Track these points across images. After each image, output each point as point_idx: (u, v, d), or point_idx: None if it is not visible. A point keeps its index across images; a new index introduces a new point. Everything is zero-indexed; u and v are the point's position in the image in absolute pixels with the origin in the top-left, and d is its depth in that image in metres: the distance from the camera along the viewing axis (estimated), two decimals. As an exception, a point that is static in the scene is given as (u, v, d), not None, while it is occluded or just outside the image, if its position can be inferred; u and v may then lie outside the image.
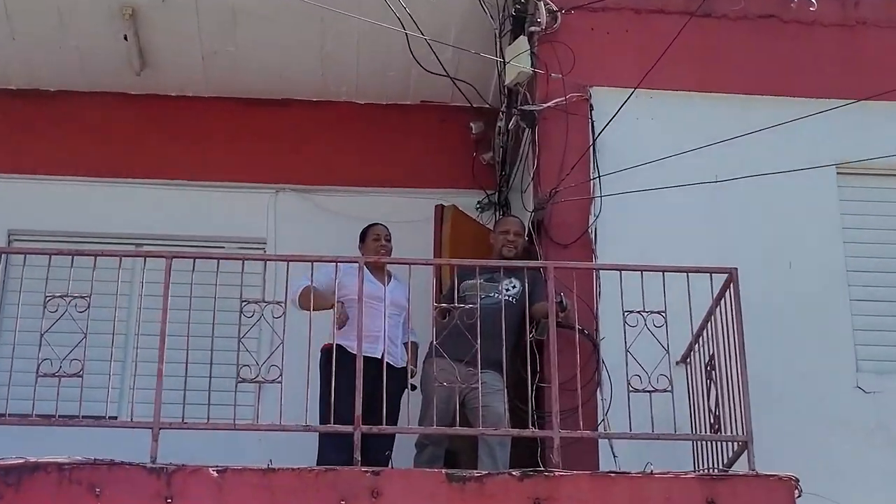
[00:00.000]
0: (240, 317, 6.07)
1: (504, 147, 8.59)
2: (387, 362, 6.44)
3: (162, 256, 6.21)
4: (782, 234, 7.53)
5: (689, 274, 6.33)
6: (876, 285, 7.56)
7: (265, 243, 8.57)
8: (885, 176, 7.77)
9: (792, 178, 7.35)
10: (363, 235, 7.45)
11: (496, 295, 6.91)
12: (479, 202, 8.88)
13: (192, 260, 6.21)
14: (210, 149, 8.94)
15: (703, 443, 6.59)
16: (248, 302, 6.10)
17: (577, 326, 6.55)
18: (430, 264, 6.69)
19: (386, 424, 6.10)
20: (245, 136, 9.00)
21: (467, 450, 7.08)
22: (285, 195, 8.87)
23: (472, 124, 8.91)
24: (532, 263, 7.01)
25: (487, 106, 8.83)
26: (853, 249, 7.60)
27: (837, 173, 7.66)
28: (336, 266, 6.32)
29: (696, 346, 6.68)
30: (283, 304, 6.11)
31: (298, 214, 8.75)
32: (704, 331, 6.59)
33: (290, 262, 6.26)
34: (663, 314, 6.22)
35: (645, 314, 6.22)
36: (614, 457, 6.71)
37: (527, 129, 7.90)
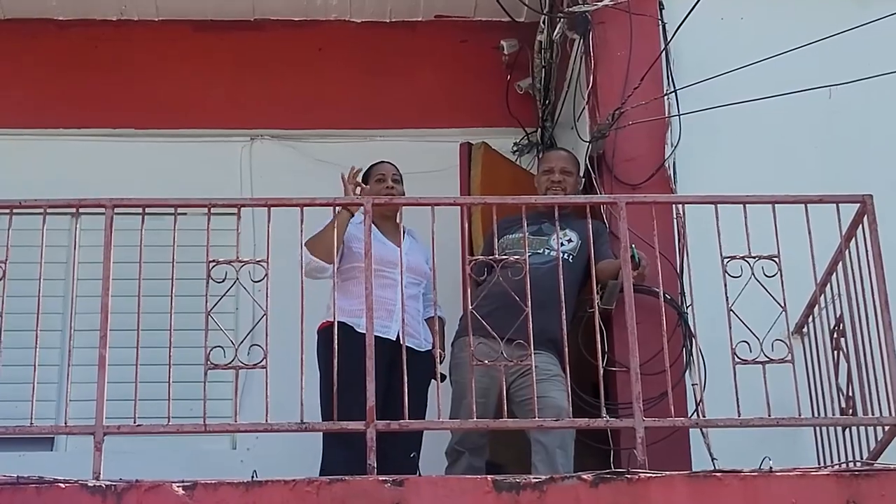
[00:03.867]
0: (207, 282, 5.70)
1: (547, 68, 8.40)
2: (406, 346, 6.04)
3: (101, 206, 5.88)
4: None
5: (808, 205, 5.93)
6: None
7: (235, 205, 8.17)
8: None
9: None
10: (365, 177, 7.08)
11: (547, 252, 6.64)
12: (515, 143, 8.71)
13: (139, 210, 5.87)
14: (162, 88, 8.77)
15: (829, 432, 6.34)
16: (218, 262, 5.73)
17: (663, 292, 6.09)
18: (460, 205, 6.25)
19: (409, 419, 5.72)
20: (207, 69, 8.86)
21: (516, 461, 6.71)
22: (262, 144, 8.71)
23: (502, 43, 8.74)
24: (597, 198, 6.70)
25: (522, 20, 8.63)
26: None
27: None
28: (333, 209, 5.89)
29: (818, 305, 6.32)
30: (264, 264, 5.72)
31: (280, 168, 8.54)
32: (828, 284, 6.25)
33: (272, 208, 5.91)
34: (776, 260, 5.81)
35: (751, 260, 5.81)
36: (712, 459, 6.37)
37: (577, 40, 7.66)
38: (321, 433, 6.21)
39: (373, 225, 5.96)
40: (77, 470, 5.56)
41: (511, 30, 8.68)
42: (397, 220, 6.70)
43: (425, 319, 6.81)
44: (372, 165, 7.12)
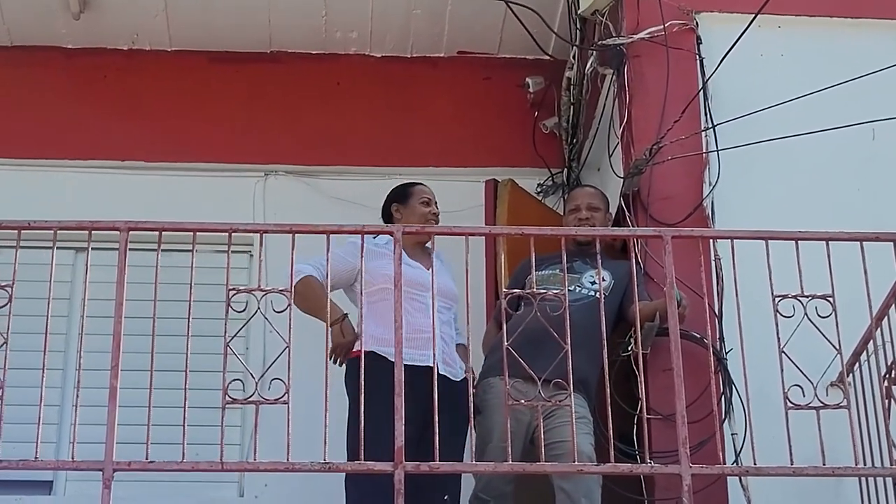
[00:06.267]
0: (226, 311, 5.37)
1: (575, 105, 8.22)
2: (443, 374, 5.76)
3: (115, 229, 5.54)
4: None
5: (864, 243, 5.63)
6: None
7: (251, 244, 8.05)
8: None
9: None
10: (402, 195, 6.75)
11: (579, 290, 6.42)
12: (539, 184, 8.53)
13: (156, 233, 5.52)
14: (173, 120, 8.65)
15: (876, 483, 6.06)
16: (238, 291, 5.39)
17: (702, 337, 5.96)
18: (495, 235, 5.97)
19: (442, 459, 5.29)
20: (221, 102, 8.73)
21: (540, 509, 6.48)
22: (277, 180, 8.54)
23: (528, 80, 8.59)
24: (642, 231, 6.43)
25: (548, 58, 8.50)
26: None
27: None
28: (362, 239, 5.61)
29: (867, 349, 6.01)
30: (286, 293, 5.39)
31: (295, 205, 8.33)
32: (880, 328, 5.89)
33: (296, 234, 5.54)
34: (831, 300, 5.48)
35: (804, 299, 5.46)
36: (751, 509, 6.15)
37: (609, 75, 7.46)
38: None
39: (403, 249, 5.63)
40: (79, 497, 5.33)
41: (536, 67, 8.62)
42: (426, 247, 6.37)
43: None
44: (410, 185, 6.82)
